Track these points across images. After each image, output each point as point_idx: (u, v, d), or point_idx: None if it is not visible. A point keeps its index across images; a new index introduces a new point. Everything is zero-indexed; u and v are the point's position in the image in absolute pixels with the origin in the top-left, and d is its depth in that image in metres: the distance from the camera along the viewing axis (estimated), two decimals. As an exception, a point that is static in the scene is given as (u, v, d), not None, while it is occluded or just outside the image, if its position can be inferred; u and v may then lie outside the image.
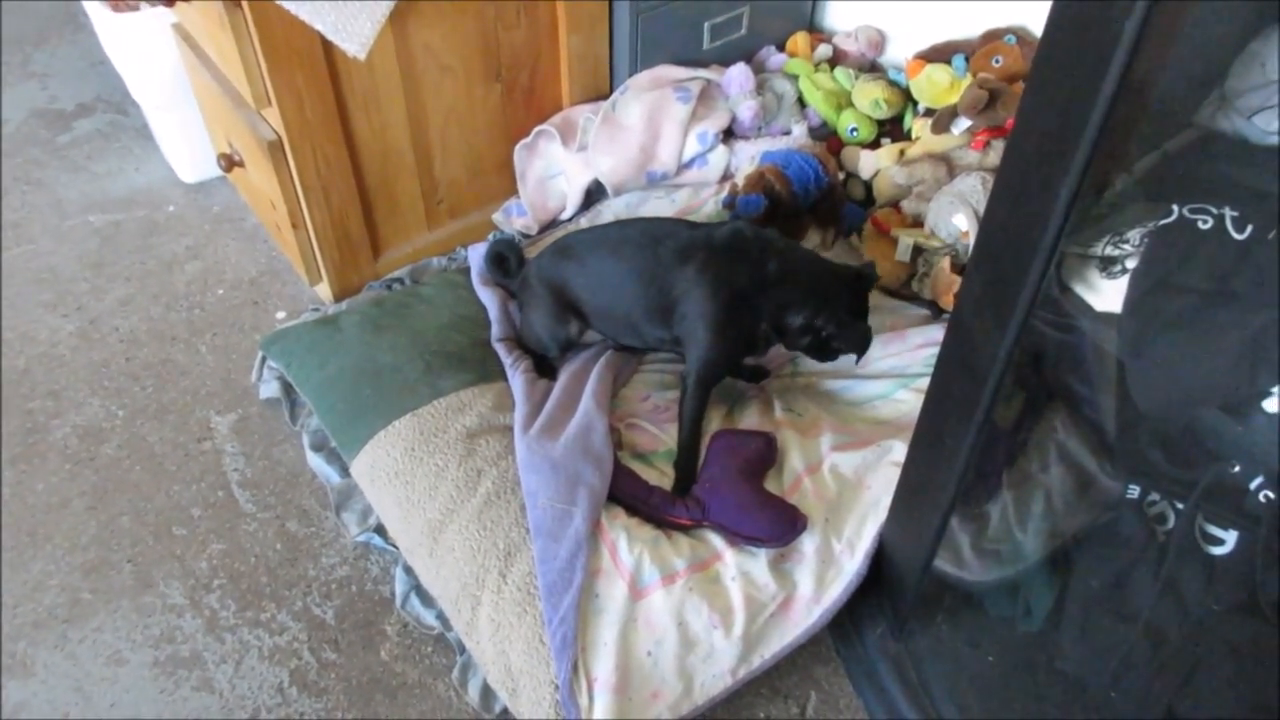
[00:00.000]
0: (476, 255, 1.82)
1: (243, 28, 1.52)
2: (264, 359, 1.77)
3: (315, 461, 1.65)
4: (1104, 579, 1.22)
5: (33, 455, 1.70)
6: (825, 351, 1.57)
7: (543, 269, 1.65)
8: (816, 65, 2.13)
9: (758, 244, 1.53)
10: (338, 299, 1.89)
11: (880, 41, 2.17)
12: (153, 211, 2.19)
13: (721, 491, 1.40)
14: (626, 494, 1.43)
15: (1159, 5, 0.67)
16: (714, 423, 1.58)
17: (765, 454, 1.49)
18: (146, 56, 2.01)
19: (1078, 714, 1.25)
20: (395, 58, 1.69)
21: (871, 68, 2.19)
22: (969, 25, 1.98)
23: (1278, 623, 1.06)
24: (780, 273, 1.50)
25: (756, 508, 1.38)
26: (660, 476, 1.50)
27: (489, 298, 1.76)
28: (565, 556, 1.33)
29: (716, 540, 1.39)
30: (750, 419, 1.58)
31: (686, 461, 1.50)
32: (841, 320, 1.52)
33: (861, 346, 1.54)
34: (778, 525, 1.36)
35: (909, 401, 1.58)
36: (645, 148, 1.93)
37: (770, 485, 1.47)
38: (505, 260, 1.76)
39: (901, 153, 1.93)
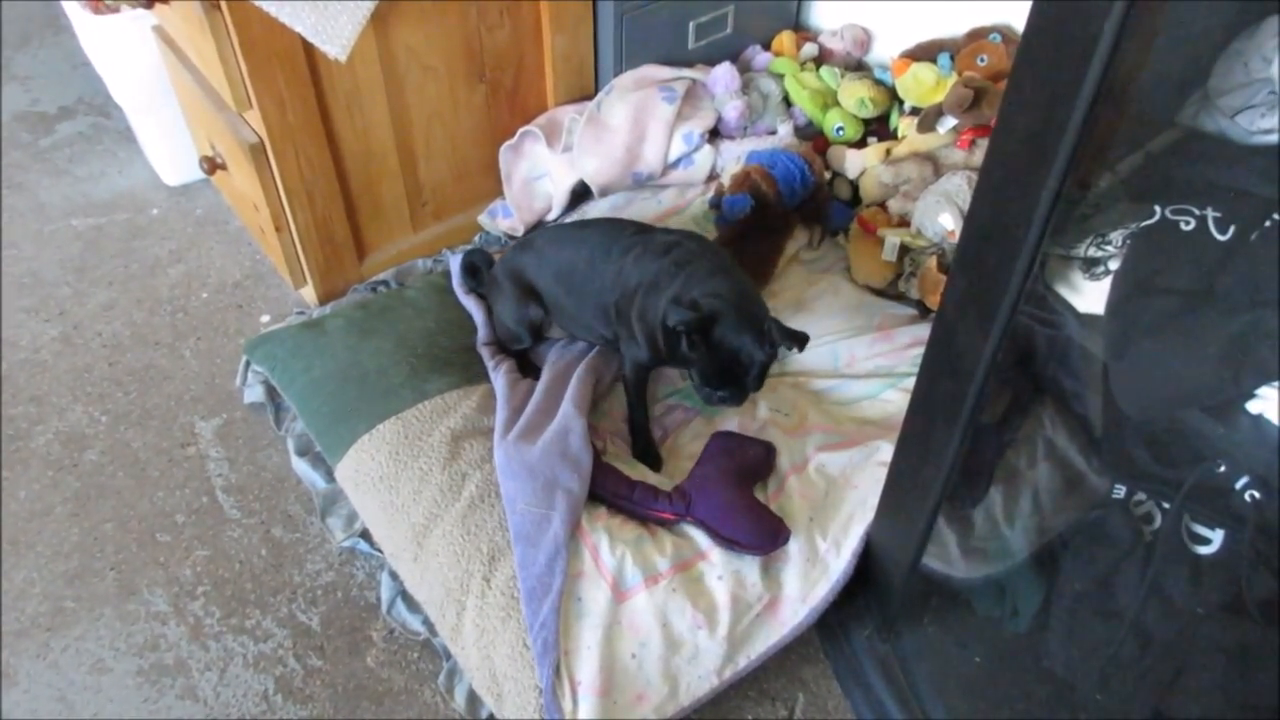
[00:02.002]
0: (457, 264, 1.82)
1: (222, 30, 1.50)
2: (248, 363, 1.76)
3: (300, 466, 1.64)
4: (1091, 579, 1.22)
5: (15, 462, 1.69)
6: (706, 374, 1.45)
7: (505, 261, 1.70)
8: (802, 64, 2.12)
9: (706, 259, 1.50)
10: (322, 302, 1.88)
11: (866, 40, 2.17)
12: (135, 215, 2.18)
13: (708, 490, 1.40)
14: (608, 491, 1.42)
15: (1138, 4, 0.67)
16: (699, 421, 1.58)
17: (763, 462, 1.48)
18: (128, 59, 2.00)
19: (1065, 714, 1.25)
20: (377, 59, 1.68)
21: (857, 67, 2.19)
22: (954, 24, 1.98)
23: (1264, 622, 1.06)
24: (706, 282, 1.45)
25: (741, 512, 1.37)
26: (645, 473, 1.50)
27: (472, 304, 1.76)
28: (544, 561, 1.32)
29: (700, 538, 1.38)
30: (731, 421, 1.57)
31: (639, 435, 1.57)
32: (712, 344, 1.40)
33: (708, 375, 1.44)
34: (759, 533, 1.36)
35: (896, 401, 1.58)
36: (630, 148, 1.92)
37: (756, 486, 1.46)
38: (478, 271, 1.77)
39: (888, 152, 1.93)
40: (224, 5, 1.46)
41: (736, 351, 1.40)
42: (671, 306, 1.42)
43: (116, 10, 1.91)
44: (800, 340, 1.41)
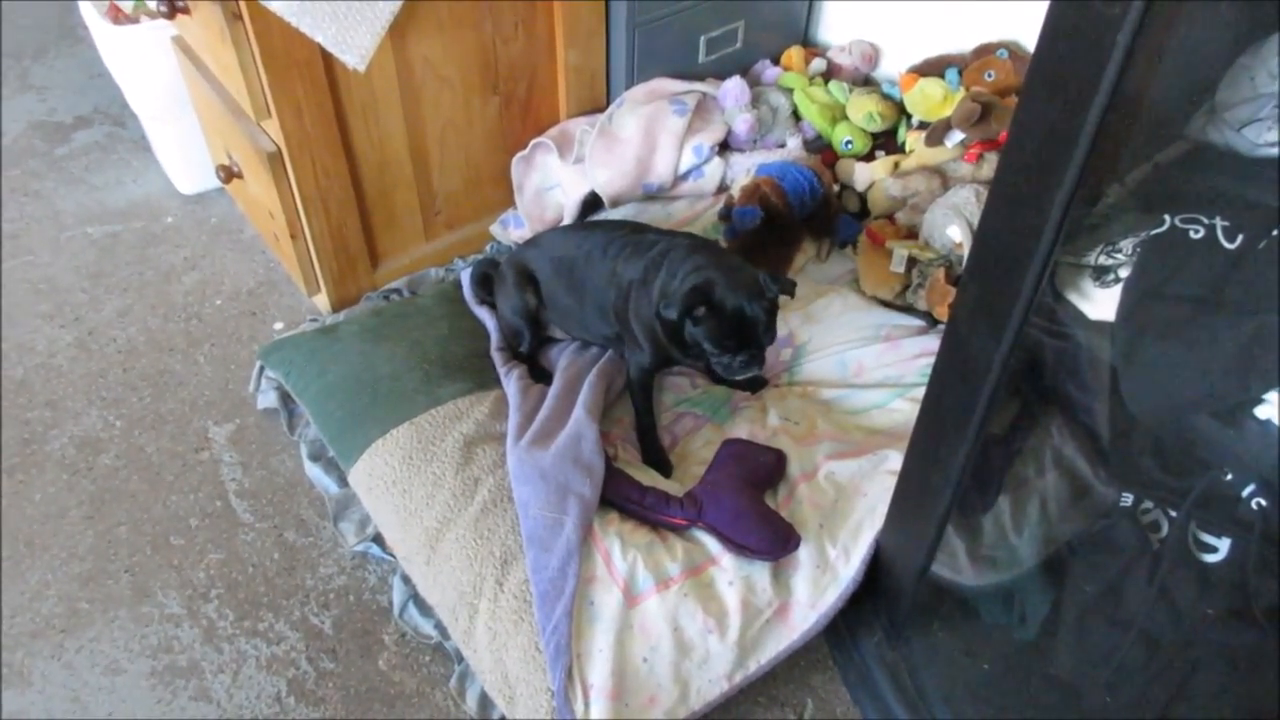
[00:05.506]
0: (468, 275, 1.84)
1: (243, 39, 1.53)
2: (262, 369, 1.78)
3: (313, 471, 1.65)
4: (1098, 586, 1.23)
5: (30, 465, 1.70)
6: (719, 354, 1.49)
7: (511, 256, 1.75)
8: (811, 79, 2.15)
9: (687, 245, 1.56)
10: (336, 310, 1.90)
11: (874, 55, 2.19)
12: (150, 223, 2.20)
13: (720, 496, 1.41)
14: (620, 496, 1.43)
15: (1151, 10, 0.68)
16: (709, 428, 1.59)
17: (774, 469, 1.50)
18: (146, 68, 2.02)
19: (1073, 720, 1.26)
20: (394, 70, 1.70)
21: (865, 81, 2.21)
22: (962, 40, 2.00)
23: (1270, 629, 1.07)
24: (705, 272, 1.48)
25: (752, 518, 1.39)
26: (656, 479, 1.51)
27: (484, 313, 1.78)
28: (557, 565, 1.34)
29: (711, 544, 1.40)
30: (741, 428, 1.59)
31: (647, 441, 1.58)
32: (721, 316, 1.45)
33: (718, 336, 1.46)
34: (770, 539, 1.37)
35: (905, 411, 1.59)
36: (641, 160, 1.95)
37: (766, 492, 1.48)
38: (489, 280, 1.79)
39: (896, 165, 1.95)
40: (245, 15, 1.49)
41: (741, 309, 1.44)
42: (661, 305, 1.46)
43: (136, 20, 1.94)
44: (790, 287, 1.50)
